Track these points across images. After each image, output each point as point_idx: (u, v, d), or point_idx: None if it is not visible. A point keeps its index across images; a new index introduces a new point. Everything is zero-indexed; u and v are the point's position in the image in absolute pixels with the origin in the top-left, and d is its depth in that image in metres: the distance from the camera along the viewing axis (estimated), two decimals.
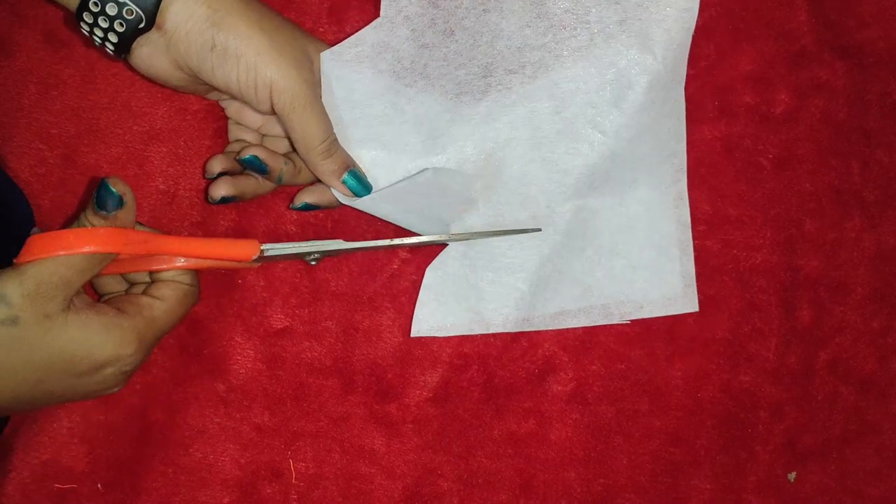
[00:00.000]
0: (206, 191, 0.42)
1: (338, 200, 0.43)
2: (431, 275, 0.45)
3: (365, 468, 0.46)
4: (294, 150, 0.42)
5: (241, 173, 0.43)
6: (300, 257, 0.43)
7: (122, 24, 0.36)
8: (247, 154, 0.41)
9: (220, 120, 0.45)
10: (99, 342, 0.36)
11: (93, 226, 0.36)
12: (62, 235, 0.35)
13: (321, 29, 0.46)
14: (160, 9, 0.36)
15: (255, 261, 0.41)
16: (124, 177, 0.45)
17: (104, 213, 0.36)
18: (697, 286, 0.48)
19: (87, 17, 0.37)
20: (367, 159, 0.44)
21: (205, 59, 0.37)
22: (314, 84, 0.39)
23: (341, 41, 0.41)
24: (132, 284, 0.41)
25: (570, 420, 0.47)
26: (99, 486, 0.44)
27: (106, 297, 0.40)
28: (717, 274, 0.48)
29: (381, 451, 0.46)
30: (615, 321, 0.47)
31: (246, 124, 0.44)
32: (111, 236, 0.36)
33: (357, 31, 0.42)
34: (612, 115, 0.44)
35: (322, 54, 0.40)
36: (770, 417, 0.48)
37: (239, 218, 0.46)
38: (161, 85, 0.41)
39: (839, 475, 0.49)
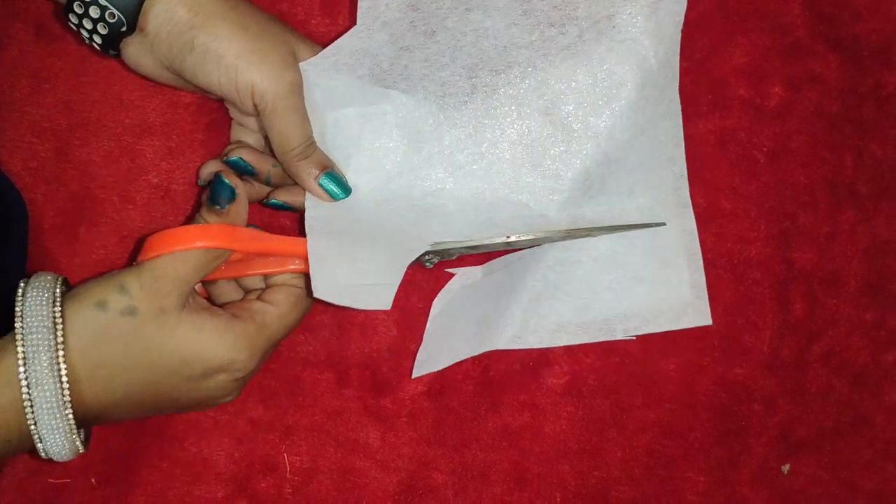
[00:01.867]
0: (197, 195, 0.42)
1: None
2: (436, 321, 0.45)
3: (359, 462, 0.46)
4: (272, 151, 0.41)
5: (238, 178, 0.42)
6: (417, 260, 0.41)
7: (105, 27, 0.36)
8: (232, 156, 0.40)
9: (213, 113, 0.45)
10: (212, 345, 0.36)
11: (207, 223, 0.37)
12: (177, 232, 0.36)
13: (314, 21, 0.46)
14: (142, 11, 0.36)
15: None
16: (117, 171, 0.45)
17: (218, 207, 0.37)
18: None
19: (73, 18, 0.37)
20: (347, 164, 0.42)
21: (184, 60, 0.37)
22: (298, 85, 0.39)
23: (333, 34, 0.41)
24: (248, 292, 0.41)
25: (564, 413, 0.47)
26: (93, 480, 0.44)
27: (222, 306, 0.40)
28: (710, 267, 0.48)
29: (376, 444, 0.46)
30: (618, 337, 0.44)
31: (247, 125, 0.43)
32: (224, 232, 0.36)
33: (350, 23, 0.41)
34: (605, 115, 0.43)
35: (301, 65, 0.39)
36: (764, 410, 0.48)
37: None
38: (154, 82, 0.40)
39: (832, 467, 0.49)
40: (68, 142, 0.45)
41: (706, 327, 0.48)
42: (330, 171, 0.41)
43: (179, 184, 0.45)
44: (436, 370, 0.45)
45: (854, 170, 0.49)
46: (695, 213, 0.48)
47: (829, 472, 0.49)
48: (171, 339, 0.35)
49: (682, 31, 0.46)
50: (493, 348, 0.44)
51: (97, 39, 0.37)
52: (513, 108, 0.43)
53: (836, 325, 0.49)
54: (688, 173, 0.47)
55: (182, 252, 0.35)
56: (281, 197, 0.42)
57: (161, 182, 0.45)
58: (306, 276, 0.39)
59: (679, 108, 0.44)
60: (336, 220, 0.41)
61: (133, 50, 0.38)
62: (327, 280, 0.37)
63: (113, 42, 0.37)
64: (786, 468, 0.48)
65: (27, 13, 0.44)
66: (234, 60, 0.37)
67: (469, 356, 0.44)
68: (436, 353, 0.44)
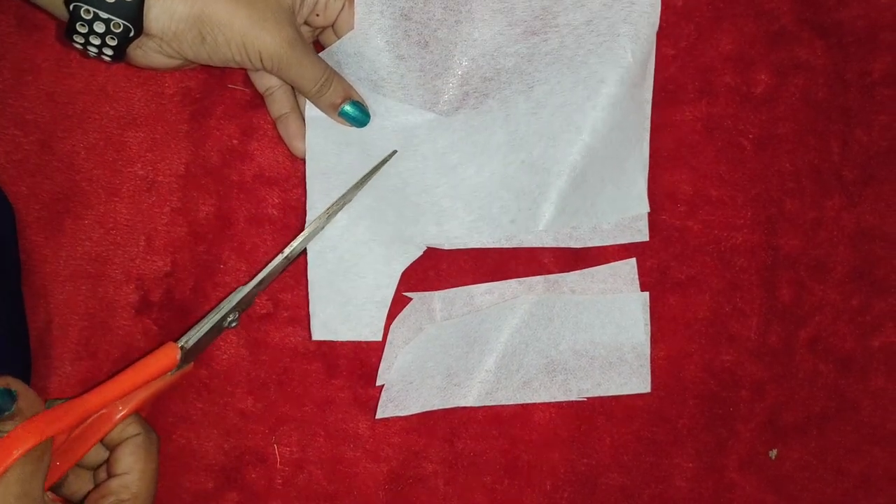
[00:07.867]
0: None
1: None
2: (399, 362, 0.45)
3: (350, 452, 0.46)
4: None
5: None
6: (219, 329, 0.41)
7: (113, 38, 0.37)
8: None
9: (196, 103, 0.45)
10: None
11: (5, 433, 0.33)
12: None
13: None
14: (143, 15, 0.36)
15: (183, 363, 0.39)
16: (102, 162, 0.45)
17: (8, 412, 0.33)
18: (679, 266, 0.48)
19: (78, 38, 0.37)
20: (346, 163, 0.44)
21: (199, 51, 0.38)
22: (295, 39, 0.40)
23: None
24: (96, 470, 0.39)
25: (553, 401, 0.47)
26: None
27: (82, 501, 0.38)
28: (698, 254, 0.48)
29: (366, 434, 0.46)
30: (572, 398, 0.47)
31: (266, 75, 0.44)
32: (30, 428, 0.33)
33: None
34: (587, 112, 0.45)
35: None
36: (751, 396, 0.48)
37: (220, 203, 0.45)
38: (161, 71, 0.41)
39: (819, 452, 0.49)
40: (52, 134, 0.44)
41: (694, 314, 0.48)
42: (349, 101, 0.43)
43: (165, 175, 0.45)
44: (402, 415, 0.46)
45: (840, 156, 0.49)
46: (682, 200, 0.48)
47: (816, 457, 0.49)
48: None
49: (669, 19, 0.46)
50: (465, 405, 0.46)
51: (107, 52, 0.37)
52: (502, 111, 0.45)
53: (823, 310, 0.49)
54: (675, 161, 0.48)
55: (7, 474, 0.32)
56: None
57: (146, 173, 0.45)
58: (138, 421, 0.38)
59: (649, 103, 0.46)
60: (333, 243, 0.44)
61: (140, 52, 0.38)
62: (324, 328, 0.44)
63: (122, 50, 0.38)
64: (773, 453, 0.49)
65: (8, 5, 0.44)
66: (240, 39, 0.38)
67: (437, 408, 0.46)
68: (402, 397, 0.45)
